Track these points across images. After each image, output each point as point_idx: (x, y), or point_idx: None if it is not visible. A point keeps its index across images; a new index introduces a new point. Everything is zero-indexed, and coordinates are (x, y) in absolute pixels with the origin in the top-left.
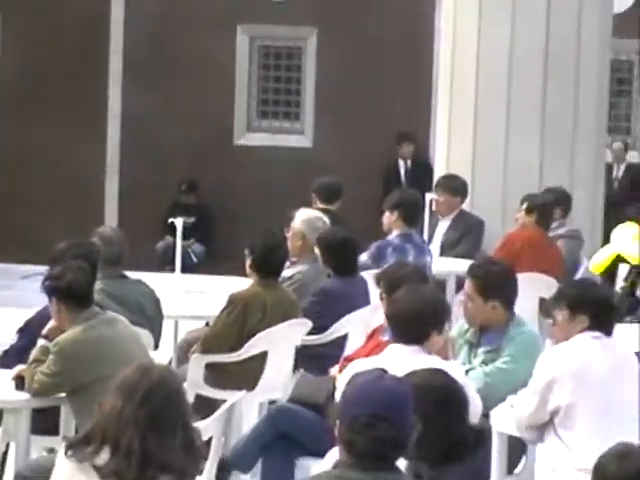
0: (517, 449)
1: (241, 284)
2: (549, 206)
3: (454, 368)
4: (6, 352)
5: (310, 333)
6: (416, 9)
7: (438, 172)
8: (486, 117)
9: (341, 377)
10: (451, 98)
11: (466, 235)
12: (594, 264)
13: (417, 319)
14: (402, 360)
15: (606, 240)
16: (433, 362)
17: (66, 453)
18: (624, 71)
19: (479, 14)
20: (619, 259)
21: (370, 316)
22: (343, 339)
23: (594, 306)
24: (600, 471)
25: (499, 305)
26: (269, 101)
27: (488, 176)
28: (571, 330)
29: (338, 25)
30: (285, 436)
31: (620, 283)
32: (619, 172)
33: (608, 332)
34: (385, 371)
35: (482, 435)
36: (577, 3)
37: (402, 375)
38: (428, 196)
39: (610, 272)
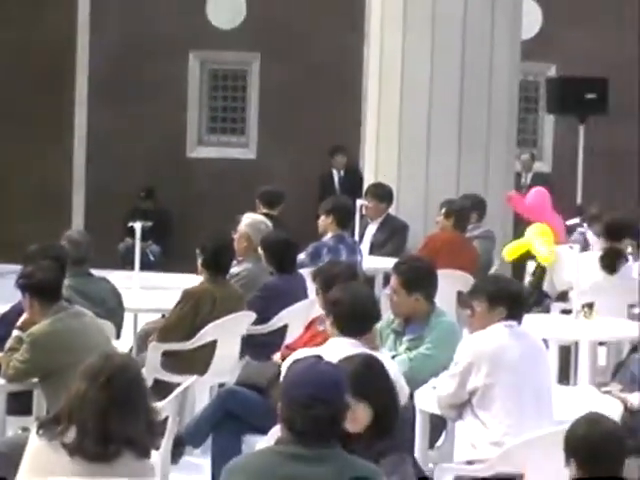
0: (438, 426)
1: (193, 281)
2: (465, 211)
3: (383, 357)
4: None
5: (254, 324)
6: (346, 39)
7: (367, 181)
8: (409, 133)
9: (285, 364)
10: (379, 116)
11: (392, 237)
12: (507, 250)
13: (362, 315)
14: (343, 351)
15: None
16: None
17: (38, 432)
18: (531, 90)
19: (402, 43)
20: (528, 255)
21: (308, 309)
22: (284, 329)
23: (510, 299)
24: (571, 433)
25: (421, 298)
26: (217, 118)
27: (412, 184)
28: (490, 320)
29: (278, 51)
30: (233, 415)
31: (528, 278)
32: (527, 180)
33: (520, 321)
34: (321, 358)
35: (407, 413)
36: (489, 32)
37: (337, 360)
38: (358, 202)
39: (520, 266)
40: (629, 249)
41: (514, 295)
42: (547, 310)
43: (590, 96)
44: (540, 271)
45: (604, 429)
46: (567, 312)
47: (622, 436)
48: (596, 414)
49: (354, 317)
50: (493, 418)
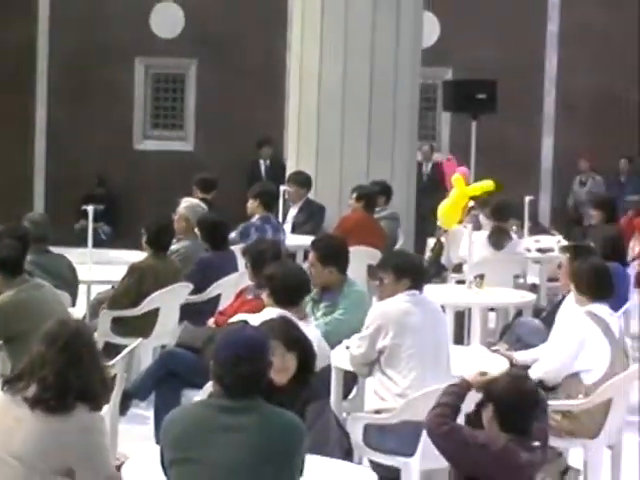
0: (350, 381)
1: (138, 256)
2: (374, 195)
3: (309, 324)
4: None
5: (191, 293)
6: (272, 46)
7: (289, 169)
8: (326, 129)
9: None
10: (299, 113)
11: (311, 218)
12: (444, 220)
13: (293, 289)
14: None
15: (418, 220)
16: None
17: (2, 388)
18: (430, 91)
19: (319, 50)
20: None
21: (238, 280)
22: (217, 298)
23: (413, 271)
24: (493, 385)
25: (335, 270)
26: (160, 115)
27: (328, 172)
28: (396, 289)
29: (212, 57)
30: (173, 373)
31: (428, 253)
32: (427, 168)
33: (421, 290)
34: (247, 323)
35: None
36: (395, 41)
37: (259, 322)
38: (282, 188)
39: (421, 242)
40: (513, 228)
41: (416, 268)
42: (444, 281)
43: (481, 96)
44: (438, 247)
45: (527, 388)
46: (461, 282)
47: (539, 399)
48: (518, 372)
49: (287, 290)
50: (398, 374)
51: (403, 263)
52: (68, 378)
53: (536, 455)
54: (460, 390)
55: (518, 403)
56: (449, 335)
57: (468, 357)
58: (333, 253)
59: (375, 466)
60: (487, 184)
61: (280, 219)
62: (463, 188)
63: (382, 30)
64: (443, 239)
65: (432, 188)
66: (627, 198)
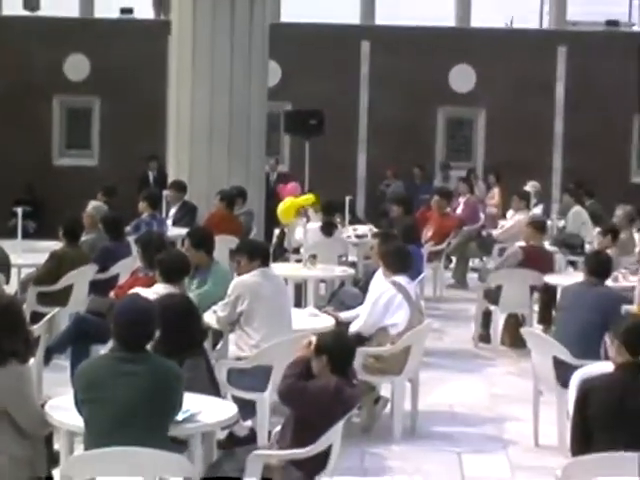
0: (218, 336)
1: (57, 245)
2: (233, 197)
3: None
4: None
5: (97, 273)
6: (158, 85)
7: (170, 178)
8: (197, 147)
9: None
10: (177, 136)
11: (186, 215)
12: (282, 216)
13: (177, 270)
14: (163, 292)
15: (269, 217)
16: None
17: None
18: (275, 119)
19: (191, 88)
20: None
21: (131, 263)
22: (116, 276)
23: (262, 254)
24: (324, 340)
25: (205, 254)
26: (72, 139)
27: (199, 180)
28: (250, 268)
29: (112, 95)
30: (83, 332)
31: (275, 239)
32: (273, 177)
33: (268, 266)
34: (139, 295)
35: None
36: (248, 82)
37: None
38: (165, 192)
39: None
40: (338, 220)
41: (265, 251)
42: (287, 260)
43: (312, 122)
44: (282, 235)
45: (348, 340)
46: (299, 261)
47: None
48: (343, 330)
49: (173, 271)
50: (253, 330)
51: (255, 248)
52: (2, 340)
53: (357, 390)
54: (299, 364)
55: (343, 352)
56: (291, 300)
57: (304, 317)
58: (203, 241)
59: (236, 399)
60: (309, 197)
61: (164, 216)
62: (293, 200)
63: (238, 74)
64: (285, 229)
65: (274, 190)
66: (420, 197)
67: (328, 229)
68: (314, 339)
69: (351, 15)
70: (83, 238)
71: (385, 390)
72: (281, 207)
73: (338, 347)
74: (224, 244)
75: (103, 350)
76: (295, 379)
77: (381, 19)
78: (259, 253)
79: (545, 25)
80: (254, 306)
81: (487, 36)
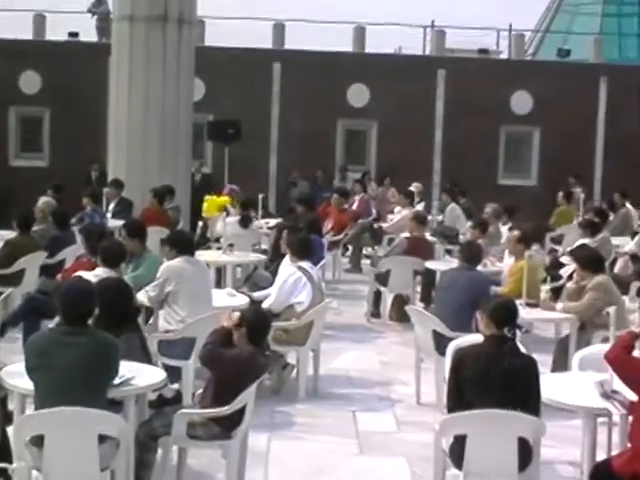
0: (149, 312)
1: (11, 235)
2: (163, 194)
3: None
4: None
5: (47, 258)
6: (101, 96)
7: (110, 177)
8: (133, 152)
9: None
10: (116, 142)
11: (124, 209)
12: (206, 212)
13: (115, 255)
14: (103, 275)
15: (194, 211)
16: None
17: None
18: (200, 128)
19: (128, 101)
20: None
21: (76, 250)
22: (63, 261)
23: (187, 243)
24: (243, 315)
25: (138, 242)
26: (26, 143)
27: (134, 179)
28: (176, 255)
29: (61, 106)
30: (34, 309)
31: (199, 230)
32: (198, 177)
33: (193, 255)
34: (82, 277)
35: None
36: (177, 97)
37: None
38: (105, 190)
39: (194, 224)
40: (253, 214)
41: (189, 241)
42: (209, 248)
43: (230, 131)
44: (204, 227)
45: (263, 315)
46: (219, 249)
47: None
48: (258, 307)
49: (112, 257)
50: (180, 308)
51: (179, 238)
52: None
53: (268, 359)
54: (219, 333)
55: (260, 326)
56: (212, 282)
57: (223, 295)
58: (137, 231)
59: (165, 366)
60: (224, 199)
61: (104, 210)
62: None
63: (168, 90)
64: (208, 222)
65: (201, 190)
66: (322, 195)
67: (244, 222)
68: (236, 314)
69: (265, 40)
70: (34, 228)
71: (291, 358)
72: (206, 204)
73: (256, 321)
74: (155, 234)
75: (51, 324)
76: (214, 346)
77: (290, 44)
78: (183, 243)
79: (428, 52)
80: (179, 287)
81: (379, 60)
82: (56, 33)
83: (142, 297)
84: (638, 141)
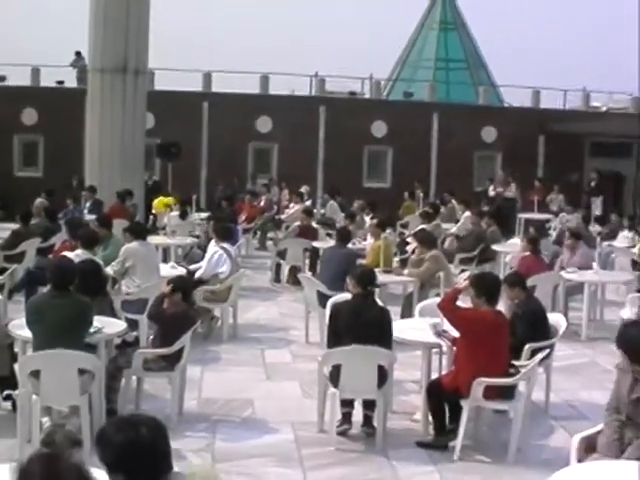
0: (116, 281)
1: (16, 226)
2: (125, 195)
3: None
4: None
5: (41, 243)
6: (78, 124)
7: (87, 183)
8: (104, 167)
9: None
10: (91, 157)
11: (96, 206)
12: (156, 209)
13: (89, 241)
14: (82, 257)
15: (147, 207)
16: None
17: None
18: (151, 149)
19: (99, 127)
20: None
21: (62, 236)
22: (53, 245)
23: (140, 231)
24: (176, 283)
25: (106, 230)
26: (27, 159)
27: (104, 185)
28: (132, 240)
29: (51, 134)
30: (33, 279)
31: (150, 222)
32: (150, 182)
33: (145, 239)
34: (67, 257)
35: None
36: (133, 126)
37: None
38: (83, 193)
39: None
40: (189, 209)
41: (143, 229)
42: (158, 234)
43: (173, 150)
44: (154, 219)
45: (190, 283)
46: (165, 234)
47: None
48: (186, 276)
49: (89, 241)
50: (136, 277)
51: (134, 229)
52: None
53: (197, 312)
54: (161, 297)
55: (188, 288)
56: (159, 258)
57: (168, 269)
58: (105, 222)
59: (127, 319)
60: (170, 200)
61: (82, 207)
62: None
63: (127, 121)
64: (157, 216)
65: (152, 193)
66: (238, 196)
67: (183, 215)
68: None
69: (197, 85)
70: (32, 222)
71: (217, 312)
72: (156, 203)
73: (185, 286)
74: (119, 225)
75: (44, 290)
76: (157, 306)
77: (215, 88)
78: (138, 232)
79: (313, 93)
80: (135, 262)
81: (278, 99)
82: (48, 81)
83: (109, 270)
84: (459, 157)
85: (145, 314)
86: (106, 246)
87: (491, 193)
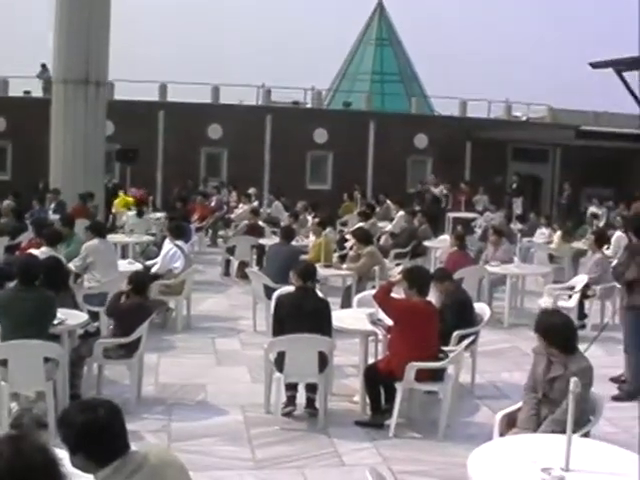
0: (78, 276)
1: None
2: (86, 196)
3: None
4: None
5: (9, 241)
6: (44, 134)
7: (52, 186)
8: (67, 170)
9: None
10: (56, 163)
11: (61, 207)
12: (117, 207)
13: (55, 237)
14: (47, 253)
15: (107, 208)
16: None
17: None
18: (111, 154)
19: (64, 137)
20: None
21: (28, 235)
22: (20, 242)
23: (100, 230)
24: (132, 278)
25: (69, 229)
26: None
27: (68, 187)
28: (92, 238)
29: (18, 140)
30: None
31: (109, 222)
32: (111, 184)
33: (104, 237)
34: (31, 254)
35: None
36: (95, 133)
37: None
38: (48, 195)
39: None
40: (145, 209)
41: (102, 229)
42: (117, 232)
43: (131, 155)
44: (114, 219)
45: (143, 277)
46: (124, 233)
47: (149, 281)
48: (142, 272)
49: (51, 239)
50: (97, 273)
51: (95, 226)
52: None
53: (154, 304)
54: (118, 294)
55: (141, 283)
56: (118, 255)
57: (126, 264)
58: (68, 222)
59: (88, 312)
60: (129, 199)
61: (47, 208)
62: (122, 198)
63: (89, 128)
64: (117, 215)
65: (111, 194)
66: (192, 197)
67: (140, 214)
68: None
69: (153, 95)
70: (1, 221)
71: (172, 304)
72: (117, 202)
73: (142, 280)
74: (80, 224)
75: (11, 284)
76: (115, 302)
77: (170, 98)
78: (97, 229)
79: (260, 103)
80: (96, 259)
81: (228, 108)
82: (15, 91)
83: (72, 266)
84: (394, 161)
85: (105, 306)
86: (69, 244)
87: (419, 188)
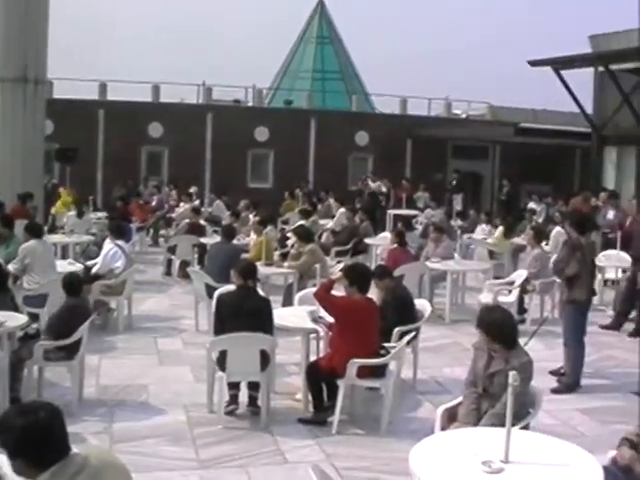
0: (18, 277)
1: None
2: (25, 197)
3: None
4: None
5: None
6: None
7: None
8: (5, 170)
9: None
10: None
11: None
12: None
13: (36, 232)
14: None
15: (47, 208)
16: None
17: None
18: (50, 153)
19: (2, 134)
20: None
21: None
22: None
23: (38, 231)
24: (65, 280)
25: (8, 230)
26: None
27: (7, 188)
28: (30, 239)
29: None
30: None
31: (50, 221)
32: (49, 185)
33: (42, 237)
34: None
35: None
36: (34, 135)
37: None
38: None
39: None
40: (85, 209)
41: (39, 229)
42: (56, 233)
43: (70, 154)
44: (53, 219)
45: (77, 278)
46: (64, 233)
47: (84, 283)
48: (75, 273)
49: (33, 232)
50: (35, 274)
51: (34, 226)
52: None
53: (91, 306)
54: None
55: (74, 284)
56: (58, 256)
57: (66, 265)
58: (7, 223)
59: (28, 313)
60: (69, 199)
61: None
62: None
63: (28, 128)
64: (56, 216)
65: (51, 195)
66: (132, 198)
67: (80, 215)
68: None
69: (93, 93)
70: None
71: (113, 304)
72: (59, 201)
73: (69, 282)
74: (20, 225)
75: None
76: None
77: (111, 96)
78: (32, 230)
79: (200, 101)
80: (34, 260)
81: (169, 107)
82: None
83: (11, 268)
84: (335, 159)
85: (46, 307)
86: (8, 245)
87: (359, 185)
